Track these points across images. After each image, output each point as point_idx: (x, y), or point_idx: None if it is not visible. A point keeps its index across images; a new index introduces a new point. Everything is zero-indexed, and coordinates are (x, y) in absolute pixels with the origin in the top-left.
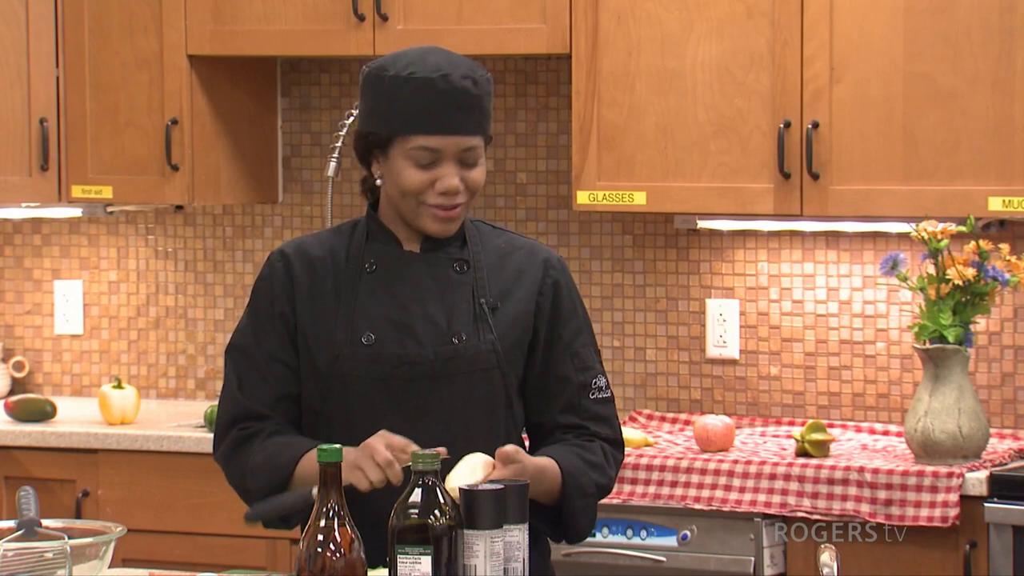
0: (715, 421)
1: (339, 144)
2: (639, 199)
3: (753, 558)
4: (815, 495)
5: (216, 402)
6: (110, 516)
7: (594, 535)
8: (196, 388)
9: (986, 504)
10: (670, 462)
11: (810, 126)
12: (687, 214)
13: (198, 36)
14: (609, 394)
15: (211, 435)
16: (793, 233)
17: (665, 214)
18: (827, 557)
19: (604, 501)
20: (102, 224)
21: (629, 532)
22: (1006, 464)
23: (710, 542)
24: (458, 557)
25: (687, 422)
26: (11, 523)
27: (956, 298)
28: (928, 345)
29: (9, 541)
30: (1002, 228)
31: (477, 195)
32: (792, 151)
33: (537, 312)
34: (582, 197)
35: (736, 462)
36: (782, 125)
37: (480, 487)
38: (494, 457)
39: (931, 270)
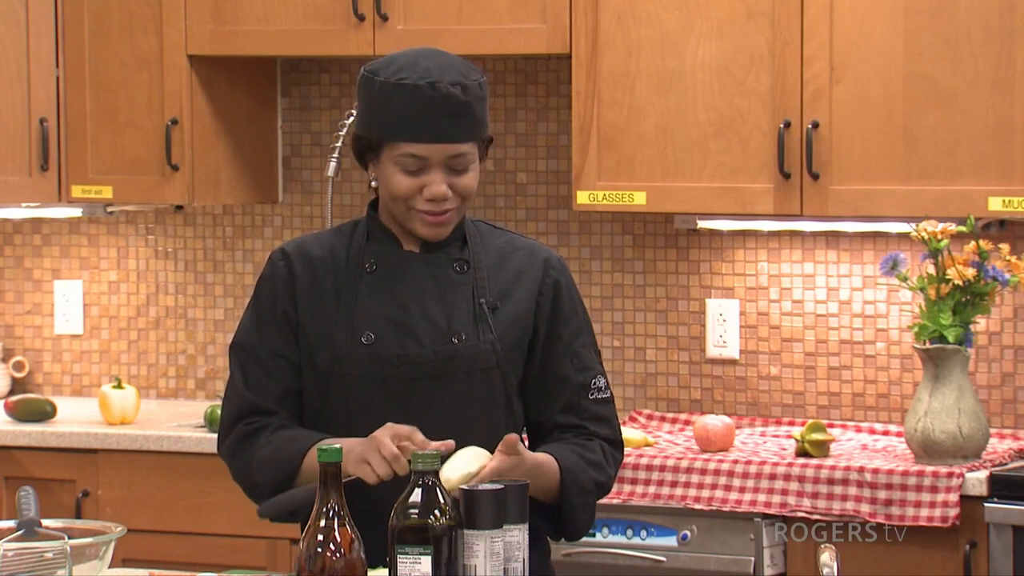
0: (715, 421)
1: (339, 144)
2: (639, 199)
3: (753, 558)
4: (815, 495)
5: (217, 402)
6: (110, 516)
7: (594, 535)
8: (196, 388)
9: (986, 504)
10: (670, 462)
11: (810, 126)
12: (687, 214)
13: (198, 36)
14: (609, 394)
15: (212, 435)
16: (793, 233)
17: (665, 214)
18: (827, 557)
19: (604, 501)
20: (102, 224)
21: (629, 532)
22: (1006, 464)
23: (710, 542)
24: (458, 557)
25: (687, 422)
26: (11, 523)
27: (956, 298)
28: (928, 345)
29: (9, 541)
30: (1002, 228)
31: (472, 198)
32: (792, 151)
33: (537, 312)
34: (582, 197)
35: (736, 462)
36: (782, 125)
37: (480, 487)
38: (495, 450)
39: (931, 270)
